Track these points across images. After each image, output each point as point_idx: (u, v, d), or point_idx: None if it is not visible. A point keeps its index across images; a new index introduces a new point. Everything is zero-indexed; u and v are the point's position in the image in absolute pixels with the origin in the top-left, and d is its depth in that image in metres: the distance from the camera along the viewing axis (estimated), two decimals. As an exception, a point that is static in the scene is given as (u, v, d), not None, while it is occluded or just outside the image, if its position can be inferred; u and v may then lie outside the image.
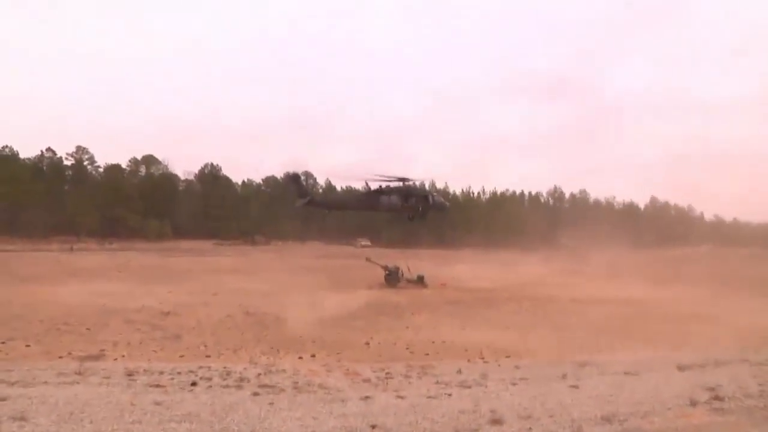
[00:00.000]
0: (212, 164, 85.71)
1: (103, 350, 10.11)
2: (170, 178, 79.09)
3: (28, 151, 67.75)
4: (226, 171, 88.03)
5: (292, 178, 23.91)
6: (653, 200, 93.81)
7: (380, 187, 23.55)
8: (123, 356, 9.69)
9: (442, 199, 25.65)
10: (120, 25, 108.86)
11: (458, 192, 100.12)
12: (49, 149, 70.25)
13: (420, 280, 23.48)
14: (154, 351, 10.29)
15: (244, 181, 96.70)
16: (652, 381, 7.07)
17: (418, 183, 24.99)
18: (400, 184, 23.64)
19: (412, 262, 25.41)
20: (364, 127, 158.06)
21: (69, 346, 10.18)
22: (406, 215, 24.66)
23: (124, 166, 76.33)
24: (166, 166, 78.24)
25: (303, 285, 22.96)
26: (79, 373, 6.88)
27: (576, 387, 6.92)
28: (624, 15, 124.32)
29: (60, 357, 9.39)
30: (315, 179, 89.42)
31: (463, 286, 24.21)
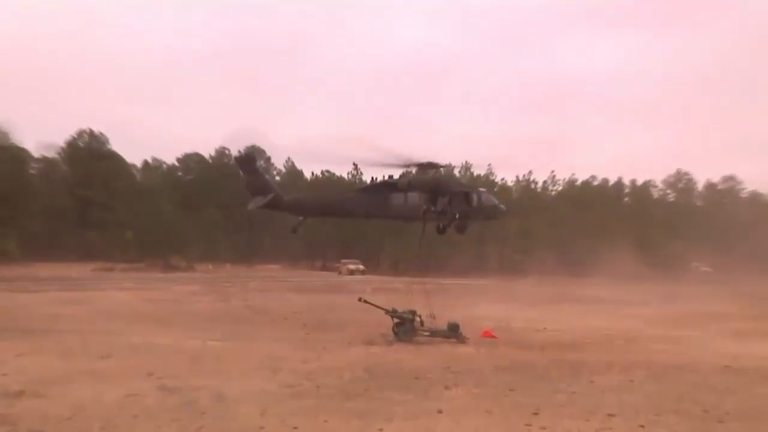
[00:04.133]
0: (91, 132, 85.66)
1: None
2: (14, 155, 78.53)
3: None
4: (117, 145, 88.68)
5: (243, 162, 23.98)
6: None
7: (389, 178, 23.74)
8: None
9: (494, 199, 25.94)
10: None
11: (510, 182, 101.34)
12: None
13: (453, 332, 23.50)
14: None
15: (147, 163, 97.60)
16: None
17: (444, 170, 25.33)
18: (413, 173, 23.83)
19: (435, 300, 25.35)
20: (349, 79, 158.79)
21: None
22: (436, 225, 24.94)
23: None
24: (6, 135, 77.76)
25: (257, 338, 22.92)
26: None
27: None
28: None
29: None
30: (270, 159, 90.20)
31: (523, 341, 24.23)
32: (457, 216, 24.32)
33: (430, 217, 24.46)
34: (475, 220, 25.98)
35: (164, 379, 15.51)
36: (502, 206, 26.59)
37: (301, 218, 24.81)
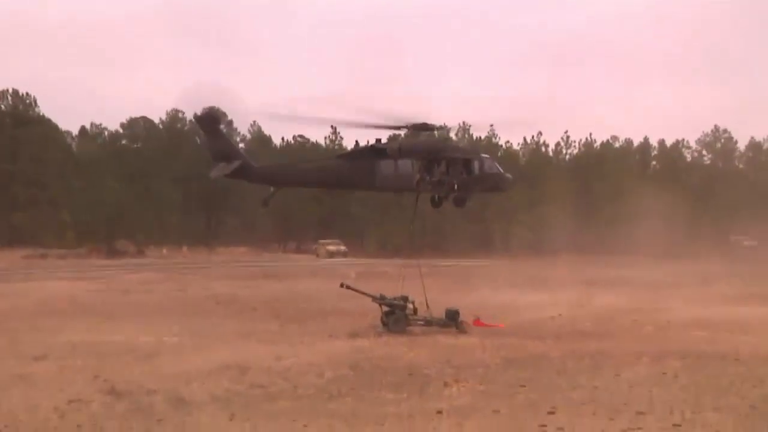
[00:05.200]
0: (15, 93, 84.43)
1: None
2: None
3: None
4: (48, 109, 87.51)
5: (204, 121, 23.84)
6: None
7: (376, 143, 23.82)
8: None
9: (499, 167, 26.11)
10: None
11: (517, 145, 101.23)
12: None
13: (452, 320, 23.68)
14: None
15: (84, 129, 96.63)
16: None
17: (437, 133, 25.42)
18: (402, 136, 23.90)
19: (430, 285, 25.37)
20: (330, 30, 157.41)
21: None
22: (430, 197, 25.06)
23: None
24: None
25: (221, 332, 22.96)
26: None
27: None
28: None
29: None
30: (232, 123, 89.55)
31: (535, 329, 24.40)
32: (456, 186, 24.37)
33: (425, 188, 24.51)
34: (476, 191, 26.08)
35: (112, 381, 15.44)
36: (508, 175, 26.69)
37: (272, 189, 24.73)
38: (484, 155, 26.74)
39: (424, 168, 24.06)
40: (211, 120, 24.24)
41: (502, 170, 26.31)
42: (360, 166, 23.86)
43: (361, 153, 24.68)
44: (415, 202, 25.31)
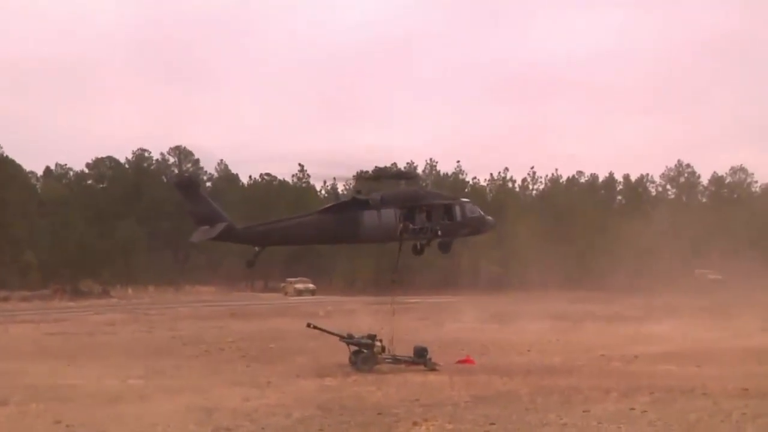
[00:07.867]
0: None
1: None
2: None
3: None
4: (10, 149, 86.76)
5: (184, 186, 23.87)
6: None
7: (358, 194, 24.03)
8: None
9: (479, 211, 26.45)
10: None
11: (483, 181, 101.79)
12: None
13: (420, 357, 23.60)
14: None
15: (49, 170, 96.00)
16: None
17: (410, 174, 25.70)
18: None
19: (399, 320, 25.40)
20: (293, 66, 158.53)
21: None
22: (413, 244, 25.36)
23: None
24: None
25: (187, 373, 22.83)
26: None
27: None
28: None
29: None
30: (198, 162, 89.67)
31: (503, 366, 24.39)
32: (439, 232, 24.55)
33: (408, 237, 24.64)
34: (459, 235, 26.24)
35: (75, 426, 15.20)
36: (489, 218, 26.91)
37: (257, 249, 24.72)
38: (464, 199, 27.11)
39: (406, 216, 24.21)
40: (191, 185, 24.36)
41: (482, 213, 26.55)
42: (343, 219, 23.94)
43: (344, 206, 24.76)
44: (398, 251, 25.33)
